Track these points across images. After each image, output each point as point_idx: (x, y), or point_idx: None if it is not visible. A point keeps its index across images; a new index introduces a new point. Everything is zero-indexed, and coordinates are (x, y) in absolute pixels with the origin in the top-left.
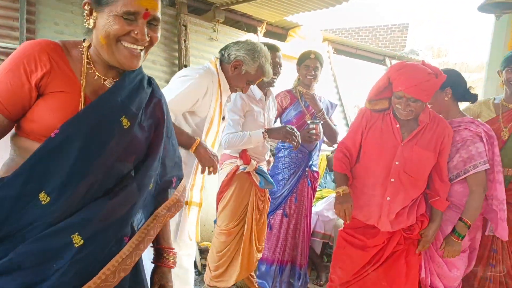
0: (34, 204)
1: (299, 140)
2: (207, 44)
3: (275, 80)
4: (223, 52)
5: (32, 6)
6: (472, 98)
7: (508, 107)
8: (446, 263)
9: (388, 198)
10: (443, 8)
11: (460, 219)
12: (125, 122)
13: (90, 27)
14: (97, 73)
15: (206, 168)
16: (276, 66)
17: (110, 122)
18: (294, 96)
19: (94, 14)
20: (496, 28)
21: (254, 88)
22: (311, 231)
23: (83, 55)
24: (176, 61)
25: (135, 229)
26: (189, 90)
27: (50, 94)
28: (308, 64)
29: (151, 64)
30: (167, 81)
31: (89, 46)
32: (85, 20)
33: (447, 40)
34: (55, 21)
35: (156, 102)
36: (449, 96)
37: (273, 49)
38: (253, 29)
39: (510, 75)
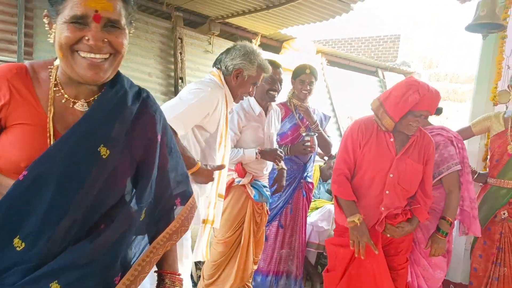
0: (9, 250)
1: (283, 183)
2: (202, 56)
3: (276, 95)
4: (218, 66)
5: (30, 20)
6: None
7: None
8: (431, 265)
9: (382, 209)
10: (443, 11)
11: (443, 217)
12: (104, 151)
13: (52, 41)
14: (65, 95)
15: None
16: (277, 83)
17: (86, 155)
18: (288, 108)
19: (54, 26)
20: (485, 44)
21: (253, 104)
22: (306, 242)
23: (50, 77)
24: (172, 73)
25: (129, 266)
26: (200, 102)
27: (12, 128)
28: (304, 79)
29: (147, 76)
30: (163, 93)
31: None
32: (48, 35)
33: (443, 46)
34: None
35: (147, 119)
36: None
37: (274, 65)
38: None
39: None
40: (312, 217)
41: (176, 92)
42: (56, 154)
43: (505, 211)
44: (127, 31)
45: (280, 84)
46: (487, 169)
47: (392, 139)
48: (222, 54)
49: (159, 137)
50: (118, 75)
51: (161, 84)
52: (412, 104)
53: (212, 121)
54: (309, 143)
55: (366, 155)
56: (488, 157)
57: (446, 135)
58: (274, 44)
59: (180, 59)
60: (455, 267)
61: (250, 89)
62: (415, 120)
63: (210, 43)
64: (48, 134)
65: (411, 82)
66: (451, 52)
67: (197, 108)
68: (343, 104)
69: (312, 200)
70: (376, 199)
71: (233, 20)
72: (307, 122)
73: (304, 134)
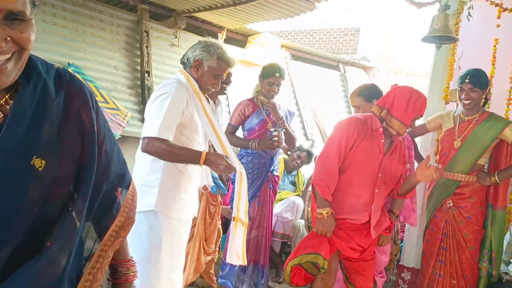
0: None
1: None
2: (168, 50)
3: (226, 88)
4: (183, 60)
5: None
6: None
7: (464, 119)
8: (378, 251)
9: (373, 207)
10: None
11: (390, 211)
12: (38, 163)
13: None
14: None
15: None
16: (229, 76)
17: (19, 172)
18: (255, 105)
19: None
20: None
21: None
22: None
23: None
24: (138, 67)
25: (78, 278)
26: (172, 105)
27: None
28: (272, 82)
29: (113, 70)
30: (130, 87)
31: None
32: None
33: (399, 40)
34: None
35: (78, 108)
36: None
37: None
38: (213, 36)
39: (461, 93)
40: (277, 208)
41: (142, 86)
42: None
43: (451, 201)
44: (33, 21)
45: (231, 77)
46: (438, 163)
47: (383, 141)
48: (188, 50)
49: (96, 126)
50: (29, 61)
51: (127, 77)
52: (419, 109)
53: (189, 116)
54: (276, 138)
55: (359, 154)
56: (439, 151)
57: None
58: (239, 38)
59: (146, 53)
60: (408, 252)
61: (213, 81)
62: (413, 123)
63: (176, 37)
64: None
65: (409, 89)
66: (406, 47)
67: (171, 110)
68: (306, 98)
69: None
70: (366, 198)
71: (199, 14)
72: (274, 118)
73: (272, 129)
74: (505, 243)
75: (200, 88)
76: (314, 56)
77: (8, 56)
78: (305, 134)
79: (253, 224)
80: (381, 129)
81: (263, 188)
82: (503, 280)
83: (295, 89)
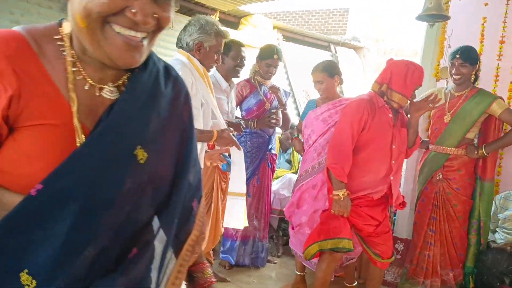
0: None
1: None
2: (163, 33)
3: (240, 71)
4: (180, 45)
5: None
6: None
7: (454, 95)
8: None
9: (392, 178)
10: None
11: None
12: (141, 154)
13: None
14: (88, 79)
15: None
16: (242, 60)
17: (121, 160)
18: (253, 85)
19: None
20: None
21: (220, 79)
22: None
23: (63, 52)
24: None
25: None
26: None
27: (25, 130)
28: (270, 63)
29: None
30: None
31: (71, 33)
32: None
33: (389, 20)
34: (10, 10)
35: (181, 107)
36: (337, 82)
37: (239, 44)
38: None
39: (452, 69)
40: (274, 186)
41: None
42: (86, 160)
43: (440, 173)
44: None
45: (244, 61)
46: (429, 138)
47: (390, 115)
48: (180, 33)
49: (192, 128)
50: None
51: None
52: (417, 79)
53: (196, 96)
54: (274, 116)
55: (372, 132)
56: (430, 127)
57: None
58: (232, 20)
59: None
60: (401, 224)
61: (215, 57)
62: (414, 94)
63: None
64: (76, 133)
65: (405, 62)
66: (396, 27)
67: None
68: (299, 79)
69: None
70: (384, 171)
71: None
72: (271, 98)
73: (270, 109)
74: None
75: (205, 67)
76: (305, 37)
77: (145, 34)
78: (298, 114)
79: (252, 202)
80: (385, 104)
81: (261, 166)
82: (491, 248)
83: (288, 70)
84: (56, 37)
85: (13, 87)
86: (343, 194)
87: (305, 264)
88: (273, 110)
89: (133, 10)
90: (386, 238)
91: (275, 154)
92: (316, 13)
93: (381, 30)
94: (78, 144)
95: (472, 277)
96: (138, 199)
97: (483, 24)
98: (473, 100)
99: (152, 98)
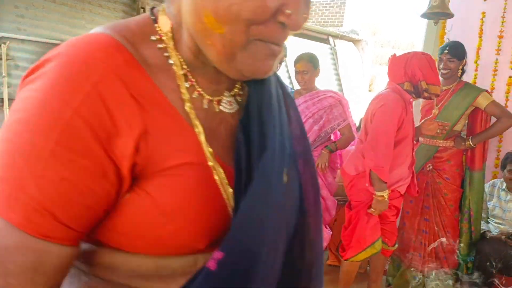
0: None
1: None
2: None
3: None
4: None
5: None
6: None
7: (442, 89)
8: None
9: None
10: None
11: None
12: (285, 177)
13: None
14: (205, 95)
15: None
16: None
17: (278, 188)
18: None
19: None
20: (430, 20)
21: None
22: None
23: (168, 60)
24: None
25: None
26: None
27: (155, 178)
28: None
29: None
30: None
31: (172, 31)
32: None
33: (385, 12)
34: (15, 4)
35: (294, 115)
36: (318, 75)
37: None
38: None
39: (440, 63)
40: None
41: None
42: (266, 204)
43: (430, 164)
44: None
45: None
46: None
47: (412, 108)
48: None
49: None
50: None
51: None
52: (435, 64)
53: None
54: None
55: (406, 128)
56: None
57: (336, 97)
58: None
59: None
60: None
61: None
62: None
63: None
64: (215, 173)
65: (420, 54)
66: (392, 19)
67: None
68: None
69: None
70: (409, 161)
71: None
72: None
73: None
74: None
75: None
76: (304, 29)
77: None
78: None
79: None
80: (411, 100)
81: None
82: (487, 237)
83: (287, 63)
84: (153, 38)
85: (137, 122)
86: (387, 194)
87: None
88: None
89: (288, 11)
90: (393, 226)
91: None
92: (312, 4)
93: (377, 22)
94: (220, 185)
95: (467, 265)
96: (287, 235)
97: (482, 19)
98: (460, 93)
99: (279, 112)
